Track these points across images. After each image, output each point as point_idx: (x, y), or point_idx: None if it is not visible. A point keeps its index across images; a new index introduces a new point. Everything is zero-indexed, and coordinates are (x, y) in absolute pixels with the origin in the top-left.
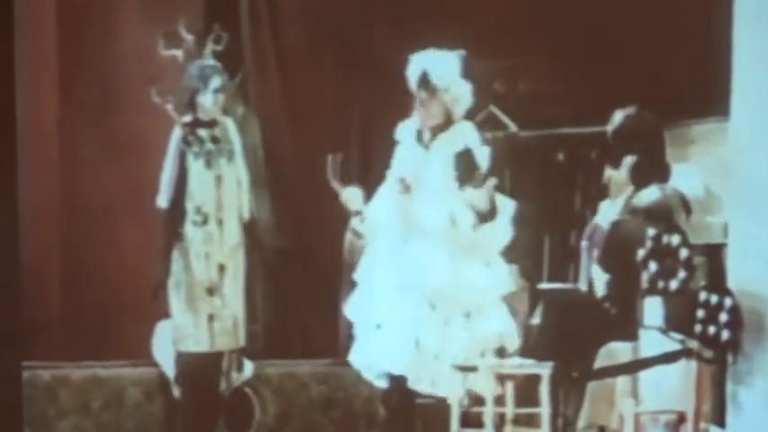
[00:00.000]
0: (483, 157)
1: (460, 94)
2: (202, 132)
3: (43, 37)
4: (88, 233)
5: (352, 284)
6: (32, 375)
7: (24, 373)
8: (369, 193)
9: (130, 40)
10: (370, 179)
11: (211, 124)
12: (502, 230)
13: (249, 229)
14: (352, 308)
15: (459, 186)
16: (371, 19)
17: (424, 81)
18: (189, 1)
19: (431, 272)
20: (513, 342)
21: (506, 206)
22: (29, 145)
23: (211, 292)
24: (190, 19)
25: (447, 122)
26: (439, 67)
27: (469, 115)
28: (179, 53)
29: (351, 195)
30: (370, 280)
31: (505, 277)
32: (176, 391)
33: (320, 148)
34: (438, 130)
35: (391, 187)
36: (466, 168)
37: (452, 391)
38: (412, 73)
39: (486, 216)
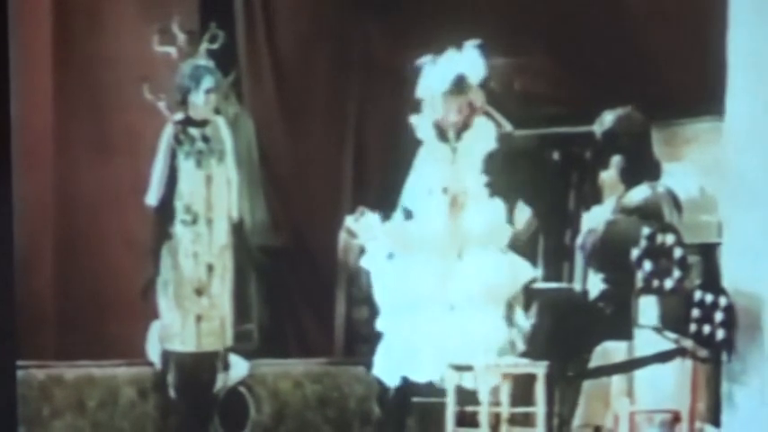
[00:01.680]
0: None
1: (481, 83)
2: (193, 131)
3: (38, 36)
4: (82, 232)
5: (350, 286)
6: (27, 374)
7: (19, 373)
8: (366, 196)
9: (125, 38)
10: (366, 178)
11: (203, 123)
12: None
13: (238, 229)
14: (401, 331)
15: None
16: (366, 18)
17: (460, 83)
18: (183, 0)
19: (505, 281)
20: None
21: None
22: (23, 144)
23: (199, 292)
24: (184, 17)
25: (470, 115)
26: (475, 68)
27: None
28: (173, 50)
29: (368, 224)
30: (424, 300)
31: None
32: (171, 391)
33: (315, 147)
34: (461, 127)
35: (429, 198)
36: (495, 172)
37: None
38: (440, 75)
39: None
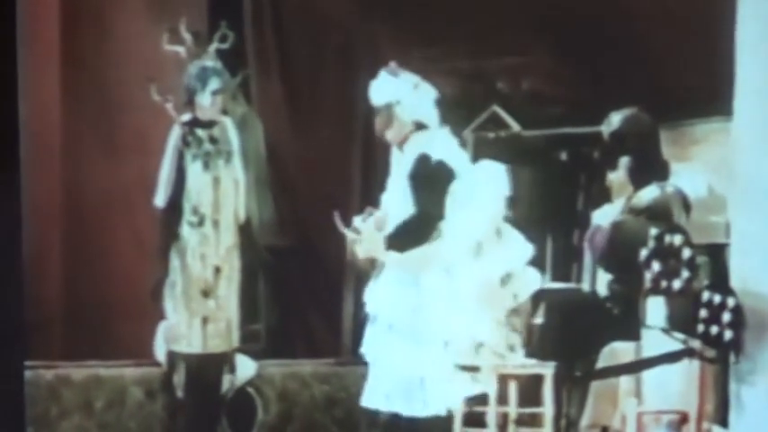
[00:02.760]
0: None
1: (412, 103)
2: (201, 132)
3: (46, 36)
4: (91, 232)
5: (358, 286)
6: (35, 375)
7: (27, 373)
8: (374, 196)
9: (133, 39)
10: (374, 178)
11: (210, 124)
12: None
13: (245, 229)
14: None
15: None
16: (374, 17)
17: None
18: (192, 0)
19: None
20: None
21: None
22: (31, 145)
23: (206, 294)
24: (193, 18)
25: (402, 133)
26: (374, 90)
27: (470, 115)
28: (182, 49)
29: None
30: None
31: None
32: (179, 391)
33: (323, 147)
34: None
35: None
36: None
37: None
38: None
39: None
